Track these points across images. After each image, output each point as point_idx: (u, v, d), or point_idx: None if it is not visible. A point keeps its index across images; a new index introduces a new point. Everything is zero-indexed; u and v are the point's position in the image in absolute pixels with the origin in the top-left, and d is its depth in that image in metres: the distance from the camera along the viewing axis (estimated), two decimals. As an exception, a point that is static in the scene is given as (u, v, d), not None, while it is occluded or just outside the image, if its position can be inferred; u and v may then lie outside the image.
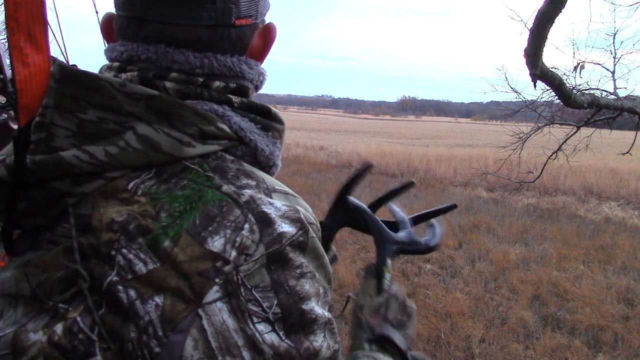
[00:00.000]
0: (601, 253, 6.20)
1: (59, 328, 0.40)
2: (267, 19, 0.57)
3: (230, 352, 0.40)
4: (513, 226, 7.37)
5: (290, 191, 0.49)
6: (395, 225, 0.76)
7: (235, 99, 0.51)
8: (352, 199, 0.75)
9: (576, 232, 7.18)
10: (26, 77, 0.40)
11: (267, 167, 0.52)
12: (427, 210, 0.80)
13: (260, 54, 0.56)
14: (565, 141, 4.32)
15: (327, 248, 0.70)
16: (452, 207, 0.83)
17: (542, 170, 4.64)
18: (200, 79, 0.50)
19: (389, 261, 0.71)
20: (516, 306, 4.49)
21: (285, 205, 0.46)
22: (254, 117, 0.52)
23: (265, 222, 0.43)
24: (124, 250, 0.41)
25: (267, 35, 0.56)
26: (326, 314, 0.46)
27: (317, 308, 0.45)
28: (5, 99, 1.58)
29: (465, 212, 8.23)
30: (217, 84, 0.50)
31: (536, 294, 4.82)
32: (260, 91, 0.58)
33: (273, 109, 0.54)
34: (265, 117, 0.53)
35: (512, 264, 5.65)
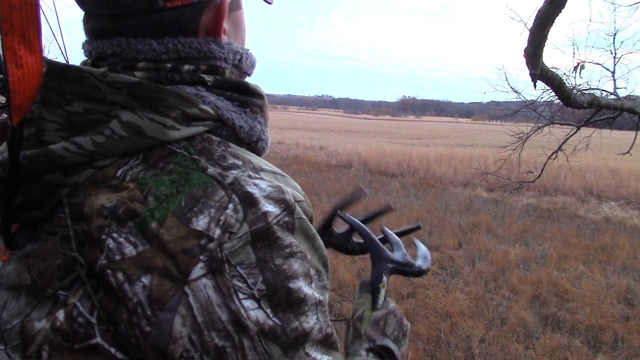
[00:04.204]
0: (601, 253, 6.20)
1: (60, 314, 0.42)
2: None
3: (215, 326, 0.41)
4: (513, 226, 7.37)
5: (279, 170, 0.49)
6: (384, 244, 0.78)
7: (209, 77, 0.50)
8: (347, 215, 0.79)
9: (576, 232, 7.18)
10: (19, 77, 0.41)
11: (253, 144, 0.52)
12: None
13: (214, 32, 0.53)
14: (565, 141, 4.30)
15: None
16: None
17: (542, 170, 4.62)
18: (169, 65, 0.49)
19: (385, 278, 0.73)
20: (516, 306, 4.49)
21: (271, 186, 0.45)
22: (230, 94, 0.51)
23: (249, 201, 0.43)
24: (115, 235, 0.42)
25: (218, 11, 0.53)
26: (316, 294, 0.46)
27: (306, 288, 0.45)
28: (5, 99, 1.58)
29: (465, 212, 8.23)
30: (186, 67, 0.50)
31: (536, 294, 4.82)
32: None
33: (252, 83, 0.53)
34: (243, 93, 0.52)
35: (512, 264, 5.65)
